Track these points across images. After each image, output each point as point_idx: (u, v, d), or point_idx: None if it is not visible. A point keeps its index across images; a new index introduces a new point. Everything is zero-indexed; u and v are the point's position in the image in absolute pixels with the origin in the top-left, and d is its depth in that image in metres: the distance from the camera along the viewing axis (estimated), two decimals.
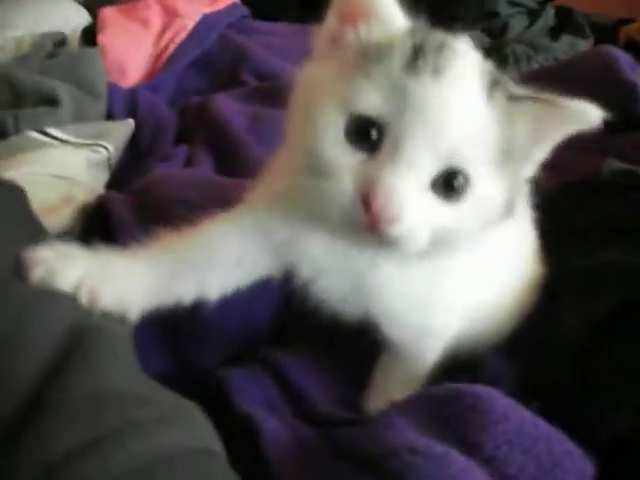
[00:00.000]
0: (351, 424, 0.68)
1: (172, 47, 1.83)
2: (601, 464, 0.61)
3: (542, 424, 0.62)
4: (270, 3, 2.25)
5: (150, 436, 0.50)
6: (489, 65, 0.61)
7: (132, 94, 1.59)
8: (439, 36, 0.59)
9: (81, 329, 0.56)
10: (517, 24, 2.22)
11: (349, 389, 0.78)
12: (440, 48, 0.56)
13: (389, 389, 0.76)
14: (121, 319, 0.63)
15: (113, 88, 1.57)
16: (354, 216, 0.55)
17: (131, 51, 1.80)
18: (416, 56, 0.55)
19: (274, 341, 0.85)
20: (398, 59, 0.55)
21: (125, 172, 1.35)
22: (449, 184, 0.57)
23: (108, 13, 1.91)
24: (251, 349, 0.83)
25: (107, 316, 0.62)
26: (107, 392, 0.52)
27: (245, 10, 2.08)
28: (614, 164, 1.12)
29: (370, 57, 0.57)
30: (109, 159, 1.31)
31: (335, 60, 0.60)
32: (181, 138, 1.49)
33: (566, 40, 2.07)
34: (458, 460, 0.56)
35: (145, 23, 1.87)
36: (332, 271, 0.67)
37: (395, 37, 0.58)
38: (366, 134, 0.56)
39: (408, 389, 0.74)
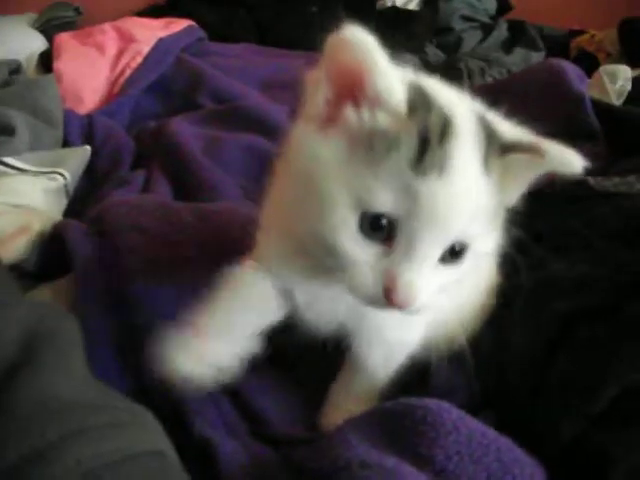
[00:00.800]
0: (308, 443, 0.69)
1: (128, 72, 1.83)
2: (554, 472, 0.62)
3: (491, 434, 0.63)
4: (226, 25, 2.26)
5: (99, 441, 0.51)
6: (481, 119, 0.60)
7: (88, 120, 1.59)
8: (441, 116, 0.57)
9: (33, 335, 0.56)
10: (471, 39, 2.26)
11: (307, 409, 0.79)
12: (443, 137, 0.56)
13: (347, 405, 0.77)
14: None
15: (69, 115, 1.57)
16: (376, 301, 0.59)
17: (87, 77, 1.80)
18: (422, 152, 0.55)
19: None
20: (405, 154, 0.55)
21: (83, 199, 1.34)
22: (453, 253, 0.59)
23: (63, 39, 1.91)
24: None
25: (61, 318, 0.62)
26: (56, 399, 0.53)
27: (201, 32, 2.09)
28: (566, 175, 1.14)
29: (377, 148, 0.56)
30: (66, 186, 1.30)
31: (339, 139, 0.57)
32: (138, 163, 1.49)
33: (519, 53, 2.11)
34: (408, 473, 0.57)
35: (101, 48, 1.87)
36: (326, 298, 0.69)
37: (400, 126, 0.56)
38: (379, 227, 0.57)
39: (365, 404, 0.75)
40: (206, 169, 1.34)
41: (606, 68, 1.78)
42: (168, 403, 0.75)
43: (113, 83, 1.83)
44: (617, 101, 1.65)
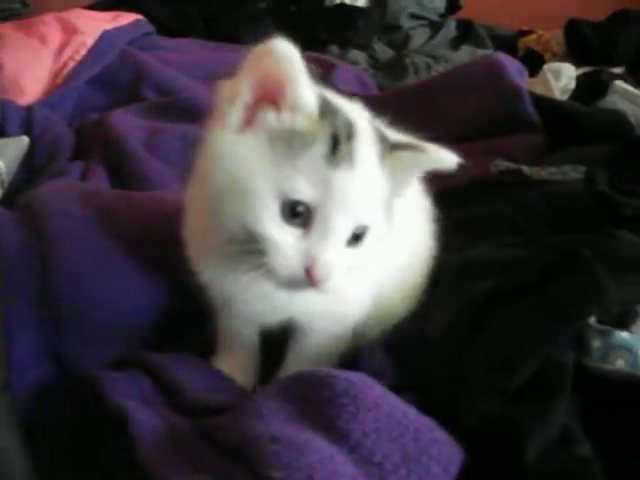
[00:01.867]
0: (224, 411, 0.68)
1: (72, 64, 1.79)
2: (472, 450, 0.63)
3: (412, 413, 0.62)
4: (175, 20, 2.24)
5: None
6: (372, 123, 0.69)
7: (28, 111, 1.55)
8: (345, 120, 0.65)
9: None
10: (419, 36, 2.28)
11: (225, 378, 0.79)
12: (350, 136, 0.64)
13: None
14: None
15: (8, 105, 1.54)
16: (297, 281, 0.65)
17: (29, 68, 1.76)
18: (334, 148, 0.63)
19: (158, 347, 0.84)
20: (320, 150, 0.62)
21: (21, 190, 1.31)
22: (355, 236, 0.67)
23: (5, 30, 1.86)
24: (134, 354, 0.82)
25: None
26: None
27: (149, 27, 2.06)
28: (501, 164, 1.15)
29: (295, 145, 0.63)
30: (1, 176, 1.28)
31: (259, 139, 0.64)
32: (78, 155, 1.47)
33: (466, 50, 2.13)
34: (319, 449, 0.57)
35: (44, 40, 1.83)
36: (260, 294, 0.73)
37: (314, 127, 0.63)
38: (297, 214, 0.64)
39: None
40: (144, 160, 1.33)
41: (551, 66, 1.81)
42: (86, 383, 0.75)
43: (56, 75, 1.79)
44: (561, 98, 1.67)
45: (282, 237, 0.64)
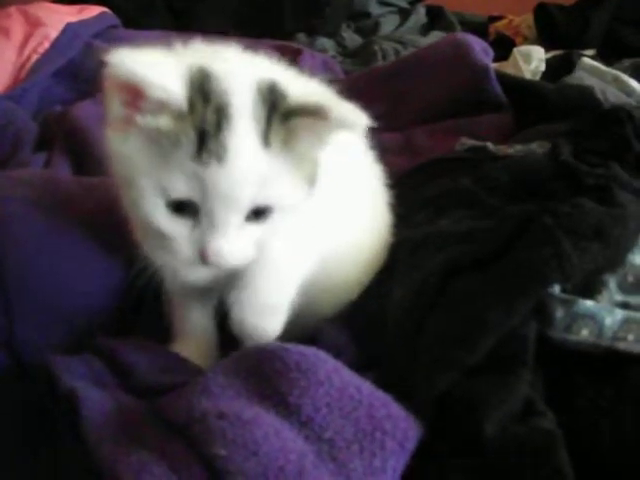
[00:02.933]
0: (174, 389, 0.66)
1: (35, 57, 1.76)
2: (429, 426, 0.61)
3: (366, 388, 0.61)
4: (142, 12, 2.21)
5: None
6: (268, 89, 0.67)
7: None
8: (217, 107, 0.64)
9: None
10: (388, 23, 2.27)
11: (179, 358, 0.77)
12: (218, 127, 0.63)
13: None
14: None
15: None
16: (195, 265, 0.69)
17: None
18: (201, 144, 0.63)
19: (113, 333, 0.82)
20: (186, 149, 0.63)
21: None
22: (257, 213, 0.68)
23: None
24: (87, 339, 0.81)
25: None
26: None
27: (114, 19, 2.03)
28: (467, 142, 1.14)
29: (165, 146, 0.64)
30: None
31: (137, 138, 0.65)
32: (42, 147, 1.44)
33: (435, 35, 2.12)
34: (265, 425, 0.55)
35: (6, 33, 1.80)
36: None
37: (179, 126, 0.63)
38: (183, 208, 0.66)
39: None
40: None
41: (520, 49, 1.81)
42: (39, 367, 0.73)
43: (20, 68, 1.76)
44: None
45: (174, 229, 0.67)
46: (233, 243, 0.67)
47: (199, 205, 0.65)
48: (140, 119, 0.64)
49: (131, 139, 0.65)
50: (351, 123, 0.65)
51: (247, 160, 0.64)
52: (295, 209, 0.70)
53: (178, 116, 0.63)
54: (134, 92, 0.62)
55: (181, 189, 0.64)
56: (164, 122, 0.63)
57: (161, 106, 0.63)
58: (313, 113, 0.65)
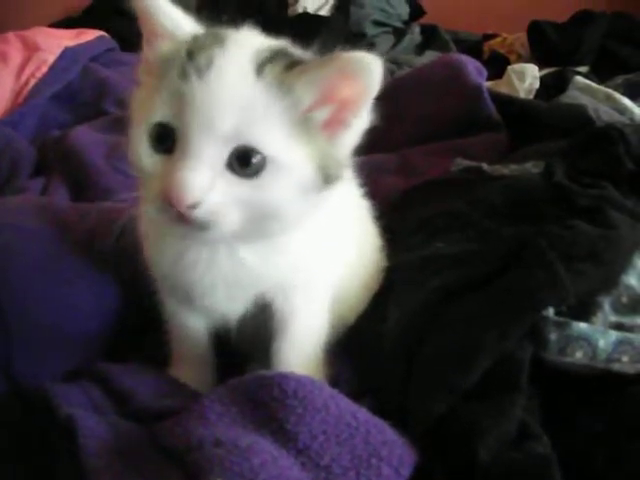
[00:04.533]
0: (171, 415, 0.66)
1: (33, 81, 1.77)
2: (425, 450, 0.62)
3: (362, 415, 0.62)
4: (136, 36, 2.22)
5: None
6: (270, 44, 0.66)
7: None
8: (214, 35, 0.64)
9: None
10: (383, 43, 2.29)
11: (177, 383, 0.77)
12: (208, 47, 0.61)
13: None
14: None
15: None
16: (166, 212, 0.61)
17: None
18: (188, 60, 0.61)
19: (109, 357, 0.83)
20: (176, 67, 0.61)
21: None
22: (244, 162, 0.61)
23: None
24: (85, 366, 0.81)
25: None
26: None
27: (112, 43, 2.05)
28: (462, 162, 1.15)
29: (160, 71, 0.63)
30: None
31: (148, 79, 0.65)
32: (39, 172, 1.45)
33: (429, 55, 2.13)
34: (263, 452, 0.55)
35: (4, 58, 1.82)
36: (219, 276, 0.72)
37: (177, 46, 0.63)
38: (164, 139, 0.62)
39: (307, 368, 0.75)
40: (104, 173, 1.32)
41: (514, 67, 1.82)
42: (37, 395, 0.73)
43: (18, 93, 1.77)
44: (527, 98, 1.68)
45: (151, 165, 0.63)
46: (203, 181, 0.60)
47: (177, 132, 0.61)
48: (149, 52, 0.65)
49: (145, 82, 0.66)
50: (360, 62, 0.59)
51: (231, 78, 0.60)
52: (295, 183, 0.63)
53: (179, 41, 0.63)
54: (150, 23, 0.65)
55: (163, 111, 0.61)
56: (166, 46, 0.64)
57: (165, 33, 0.64)
58: (317, 61, 0.63)
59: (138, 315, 0.87)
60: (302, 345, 0.78)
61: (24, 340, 0.81)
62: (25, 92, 1.76)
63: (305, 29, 2.20)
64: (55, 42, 1.89)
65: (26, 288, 0.84)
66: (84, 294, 0.85)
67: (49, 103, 1.76)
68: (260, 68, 0.61)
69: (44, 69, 1.80)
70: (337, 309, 0.80)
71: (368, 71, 0.60)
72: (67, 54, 1.85)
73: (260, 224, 0.65)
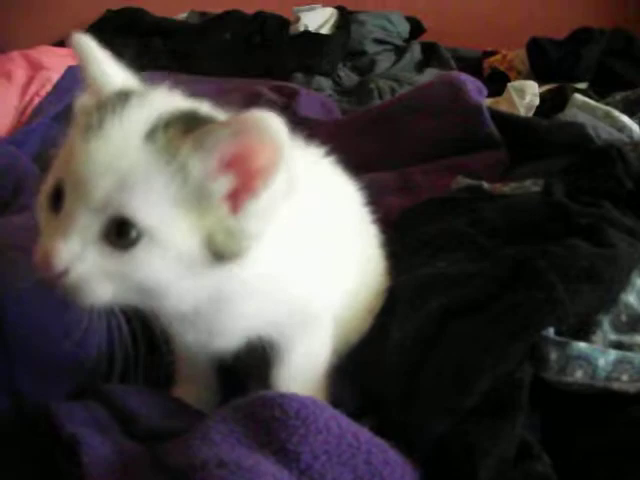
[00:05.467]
0: (176, 435, 0.67)
1: (37, 100, 1.79)
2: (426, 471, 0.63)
3: (364, 435, 0.62)
4: (141, 54, 2.25)
5: None
6: (180, 106, 0.62)
7: None
8: (123, 94, 0.61)
9: None
10: (384, 61, 2.31)
11: (181, 404, 0.78)
12: (107, 107, 0.59)
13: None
14: None
15: None
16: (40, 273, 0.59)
17: None
18: (88, 120, 0.58)
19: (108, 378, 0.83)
20: (80, 126, 0.59)
21: None
22: (119, 233, 0.57)
23: None
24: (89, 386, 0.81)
25: None
26: None
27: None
28: (462, 181, 1.16)
29: (75, 125, 0.61)
30: None
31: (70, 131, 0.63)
32: None
33: (430, 73, 2.15)
34: (265, 473, 0.56)
35: (9, 77, 1.84)
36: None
37: (91, 103, 0.62)
38: (57, 198, 0.59)
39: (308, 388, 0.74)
40: None
41: (514, 84, 1.84)
42: (42, 415, 0.73)
43: (22, 112, 1.79)
44: (526, 115, 1.69)
45: (42, 221, 0.60)
46: (70, 250, 0.56)
47: (63, 192, 0.58)
48: (77, 102, 0.64)
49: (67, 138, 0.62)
50: (257, 121, 0.54)
51: (115, 142, 0.56)
52: (174, 259, 0.58)
53: (98, 96, 0.62)
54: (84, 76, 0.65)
55: (58, 170, 0.59)
56: (86, 99, 0.63)
57: (94, 85, 0.64)
58: (210, 130, 0.57)
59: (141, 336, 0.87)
60: (302, 373, 0.77)
61: (26, 362, 0.81)
62: (29, 110, 1.78)
63: (306, 47, 2.23)
64: (59, 61, 1.91)
65: (28, 311, 0.83)
66: (85, 315, 0.85)
67: (53, 121, 1.78)
68: (151, 133, 0.57)
69: (48, 87, 1.82)
70: (340, 332, 0.80)
71: (267, 134, 0.54)
72: (71, 73, 1.86)
73: (140, 297, 0.61)
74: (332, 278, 0.76)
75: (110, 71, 0.65)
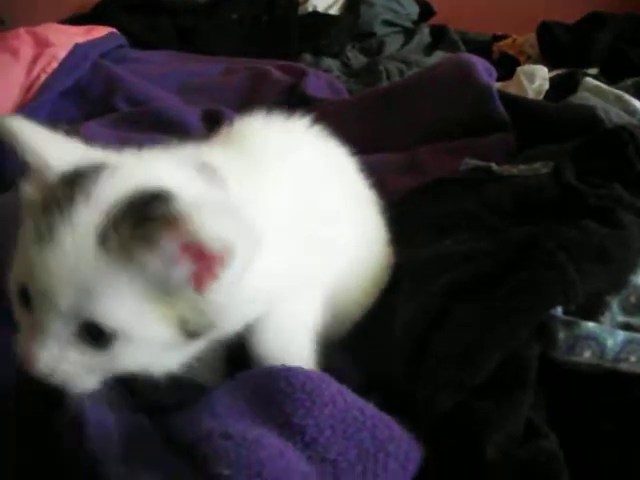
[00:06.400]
0: (181, 408, 0.66)
1: (43, 77, 1.78)
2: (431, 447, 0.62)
3: (369, 410, 0.62)
4: (148, 32, 2.24)
5: None
6: (144, 187, 0.58)
7: None
8: (70, 183, 0.57)
9: None
10: (393, 43, 2.29)
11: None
12: (56, 205, 0.56)
13: None
14: None
15: None
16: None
17: (0, 82, 1.75)
18: (35, 225, 0.56)
19: None
20: (29, 225, 0.57)
21: None
22: (93, 335, 0.57)
23: None
24: None
25: None
26: None
27: (122, 39, 2.06)
28: (470, 162, 1.15)
29: (25, 218, 0.59)
30: None
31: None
32: None
33: (438, 55, 2.14)
34: (270, 445, 0.56)
35: (15, 53, 1.82)
36: None
37: (35, 195, 0.59)
38: (25, 296, 0.58)
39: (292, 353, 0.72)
40: None
41: (523, 68, 1.82)
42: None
43: (28, 88, 1.77)
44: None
45: (18, 315, 0.60)
46: (50, 355, 0.57)
47: (30, 296, 0.57)
48: (23, 191, 0.61)
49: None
50: (213, 237, 0.52)
51: (68, 252, 0.55)
52: (153, 347, 0.59)
53: (41, 185, 0.59)
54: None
55: (18, 270, 0.58)
56: (30, 188, 0.60)
57: (34, 170, 0.60)
58: (171, 221, 0.53)
59: None
60: (287, 334, 0.72)
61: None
62: (35, 87, 1.77)
63: (315, 28, 2.21)
64: (66, 38, 1.89)
65: None
66: None
67: (58, 99, 1.77)
68: (103, 237, 0.55)
69: (54, 64, 1.80)
70: (340, 302, 0.79)
71: (211, 235, 0.52)
72: (77, 50, 1.85)
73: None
74: (329, 246, 0.75)
75: (51, 153, 0.60)
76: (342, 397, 0.62)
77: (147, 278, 0.55)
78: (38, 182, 0.60)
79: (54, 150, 0.61)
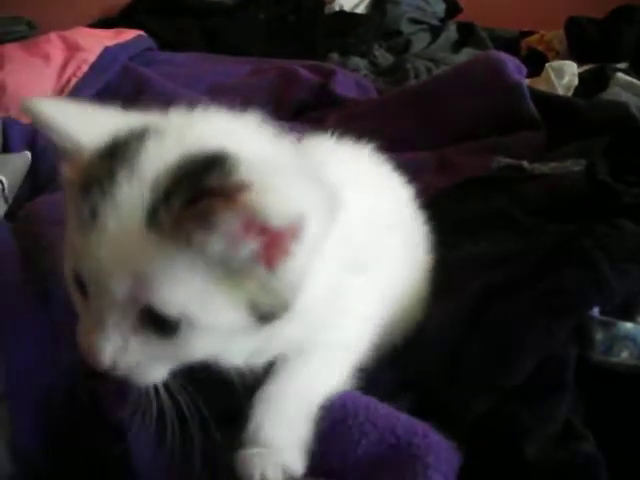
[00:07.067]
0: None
1: (74, 80, 1.80)
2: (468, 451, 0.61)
3: (400, 429, 0.60)
4: (176, 34, 2.25)
5: None
6: (191, 152, 0.52)
7: (32, 128, 1.56)
8: (108, 158, 0.52)
9: None
10: (419, 41, 2.28)
11: None
12: (96, 186, 0.51)
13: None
14: None
15: (11, 123, 1.55)
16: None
17: (32, 86, 1.77)
18: (80, 211, 0.52)
19: None
20: (72, 208, 0.53)
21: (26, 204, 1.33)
22: (155, 322, 0.53)
23: (9, 49, 1.89)
24: None
25: None
26: None
27: (150, 42, 2.08)
28: (502, 160, 1.14)
29: (67, 202, 0.56)
30: (4, 191, 1.29)
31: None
32: None
33: (466, 53, 2.12)
34: None
35: (46, 58, 1.85)
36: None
37: (72, 176, 0.55)
38: (81, 284, 0.54)
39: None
40: None
41: (552, 65, 1.80)
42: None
43: (60, 92, 1.80)
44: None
45: (78, 303, 0.56)
46: (112, 346, 0.53)
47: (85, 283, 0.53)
48: (62, 172, 0.57)
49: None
50: (265, 206, 0.45)
51: (116, 236, 0.50)
52: (221, 333, 0.54)
53: (77, 165, 0.54)
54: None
55: (70, 258, 0.54)
56: (68, 171, 0.56)
57: (70, 155, 0.55)
58: (230, 191, 0.46)
59: None
60: (289, 405, 0.63)
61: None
62: (66, 92, 1.79)
63: (341, 27, 2.21)
64: (95, 42, 1.92)
65: None
66: None
67: (88, 102, 1.79)
68: (152, 215, 0.49)
69: (84, 68, 1.83)
70: (390, 324, 0.73)
71: (288, 216, 0.47)
72: (107, 53, 1.87)
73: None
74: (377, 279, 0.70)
75: (81, 129, 0.55)
76: (378, 415, 0.61)
77: (208, 258, 0.49)
78: (75, 163, 0.55)
79: (84, 125, 0.56)
